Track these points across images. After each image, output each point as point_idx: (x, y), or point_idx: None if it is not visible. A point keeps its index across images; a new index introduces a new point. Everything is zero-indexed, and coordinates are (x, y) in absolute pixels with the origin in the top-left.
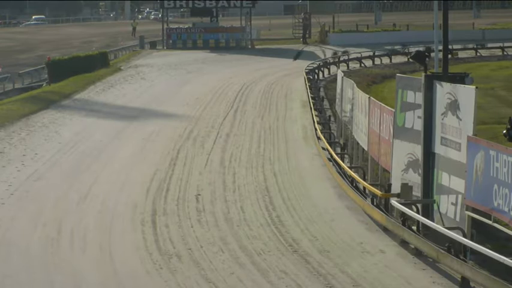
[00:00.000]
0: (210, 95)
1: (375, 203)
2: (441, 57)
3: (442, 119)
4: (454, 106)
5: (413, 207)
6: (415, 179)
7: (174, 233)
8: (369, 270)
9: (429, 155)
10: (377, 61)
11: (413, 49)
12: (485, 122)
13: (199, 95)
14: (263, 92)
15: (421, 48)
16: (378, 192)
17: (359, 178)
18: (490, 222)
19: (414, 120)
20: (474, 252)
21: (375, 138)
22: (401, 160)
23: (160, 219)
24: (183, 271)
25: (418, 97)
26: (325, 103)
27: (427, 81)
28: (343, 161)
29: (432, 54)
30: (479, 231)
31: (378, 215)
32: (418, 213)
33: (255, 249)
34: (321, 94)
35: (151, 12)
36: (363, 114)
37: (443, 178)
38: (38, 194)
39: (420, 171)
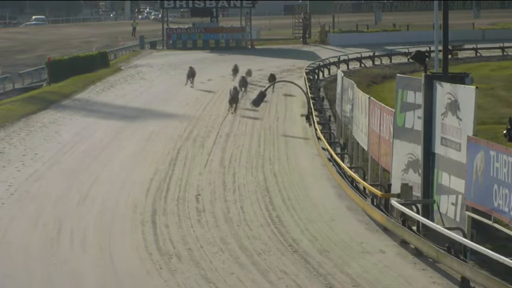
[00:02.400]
0: (210, 95)
1: (375, 203)
2: (441, 57)
3: (442, 119)
4: (454, 106)
5: (413, 207)
6: (415, 179)
7: (174, 233)
8: (369, 270)
9: (429, 155)
10: (377, 61)
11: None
12: (485, 122)
13: (199, 95)
14: None
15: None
16: (378, 192)
17: (359, 178)
18: (490, 222)
19: (414, 121)
20: (474, 252)
21: (375, 139)
22: (401, 160)
23: (160, 219)
24: (183, 271)
25: (418, 97)
26: (325, 103)
27: (427, 81)
28: (343, 161)
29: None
30: (479, 231)
31: (378, 215)
32: (418, 213)
33: (255, 249)
34: (321, 94)
35: (151, 12)
36: (363, 114)
37: (443, 178)
38: (38, 194)
39: (420, 171)
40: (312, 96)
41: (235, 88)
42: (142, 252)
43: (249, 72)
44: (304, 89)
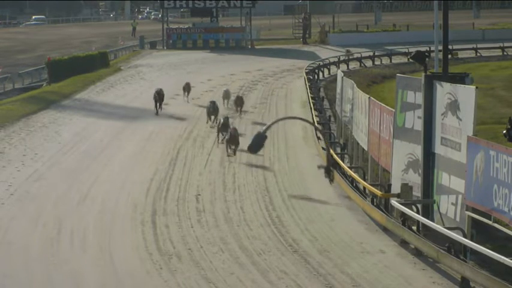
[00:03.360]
0: (210, 95)
1: (375, 203)
2: (441, 57)
3: (442, 119)
4: (454, 106)
5: (413, 207)
6: (415, 179)
7: (174, 233)
8: (369, 270)
9: (429, 155)
10: (377, 61)
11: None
12: (485, 122)
13: (199, 95)
14: (263, 92)
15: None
16: (378, 192)
17: (359, 178)
18: (490, 222)
19: (414, 121)
20: (474, 252)
21: (375, 139)
22: (401, 160)
23: (160, 219)
24: (183, 271)
25: (418, 97)
26: (325, 103)
27: (427, 81)
28: (343, 161)
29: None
30: (479, 231)
31: (377, 215)
32: (418, 213)
33: (255, 249)
34: (321, 94)
35: (151, 12)
36: (362, 114)
37: (443, 178)
38: (38, 194)
39: (420, 171)
40: (319, 110)
41: (226, 122)
42: (142, 252)
43: (226, 95)
44: (319, 129)
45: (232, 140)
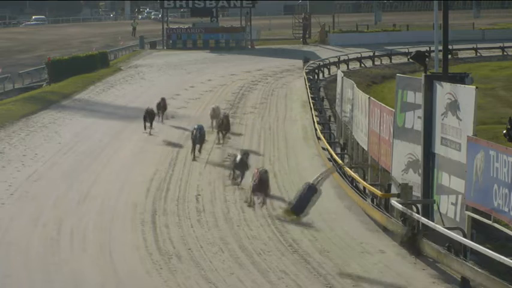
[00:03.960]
0: (210, 95)
1: (375, 203)
2: (441, 57)
3: (442, 119)
4: (454, 106)
5: (413, 207)
6: (415, 179)
7: (174, 233)
8: (369, 270)
9: (429, 155)
10: (377, 61)
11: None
12: (485, 122)
13: (199, 96)
14: (263, 92)
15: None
16: (378, 192)
17: (359, 178)
18: (490, 222)
19: (414, 121)
20: (474, 252)
21: (374, 139)
22: (401, 160)
23: (160, 219)
24: (183, 271)
25: (418, 97)
26: (325, 103)
27: (427, 81)
28: (343, 161)
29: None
30: (479, 231)
31: (378, 215)
32: (418, 213)
33: (255, 249)
34: (321, 94)
35: (151, 12)
36: (362, 114)
37: (443, 178)
38: (38, 194)
39: (420, 171)
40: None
41: (244, 160)
42: (142, 252)
43: (215, 113)
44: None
45: (262, 188)
